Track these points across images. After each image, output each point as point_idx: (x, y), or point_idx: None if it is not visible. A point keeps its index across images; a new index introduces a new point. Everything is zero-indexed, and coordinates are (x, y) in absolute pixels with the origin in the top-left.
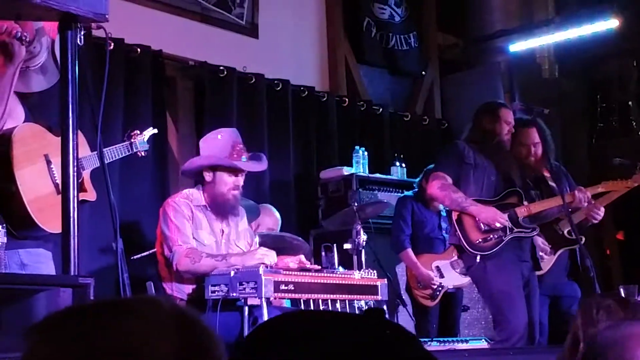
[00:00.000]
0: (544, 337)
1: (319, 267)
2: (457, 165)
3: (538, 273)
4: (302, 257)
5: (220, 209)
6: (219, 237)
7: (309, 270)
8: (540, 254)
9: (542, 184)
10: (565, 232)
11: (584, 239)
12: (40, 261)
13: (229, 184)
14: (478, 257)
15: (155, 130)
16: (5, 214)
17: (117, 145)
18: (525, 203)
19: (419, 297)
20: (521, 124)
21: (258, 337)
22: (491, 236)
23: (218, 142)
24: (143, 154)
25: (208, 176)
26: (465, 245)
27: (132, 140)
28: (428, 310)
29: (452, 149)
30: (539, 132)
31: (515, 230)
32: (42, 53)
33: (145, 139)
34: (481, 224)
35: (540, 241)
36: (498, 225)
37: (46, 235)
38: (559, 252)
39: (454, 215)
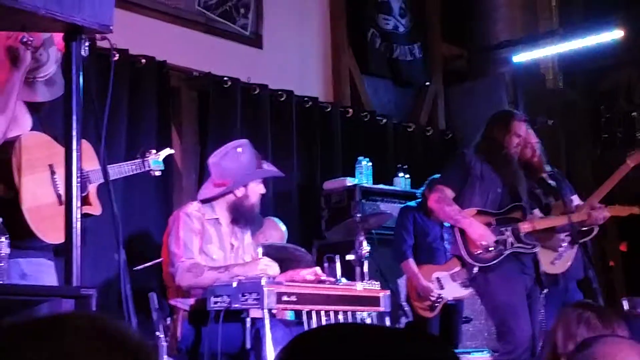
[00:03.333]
0: None
1: (334, 280)
2: (461, 178)
3: (559, 271)
4: (318, 269)
5: (248, 220)
6: (229, 251)
7: (323, 282)
8: (563, 246)
9: (544, 185)
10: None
11: (597, 229)
12: (41, 271)
13: (258, 194)
14: (476, 269)
15: (172, 151)
16: (5, 223)
17: (128, 162)
18: (530, 216)
19: (418, 308)
20: None
21: (297, 349)
22: (491, 248)
23: (243, 156)
24: (157, 173)
25: (240, 191)
26: (465, 255)
27: (146, 158)
28: (428, 321)
29: (457, 161)
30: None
31: (516, 245)
32: (51, 64)
33: (161, 159)
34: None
35: (560, 236)
36: (483, 243)
37: (48, 245)
38: (576, 246)
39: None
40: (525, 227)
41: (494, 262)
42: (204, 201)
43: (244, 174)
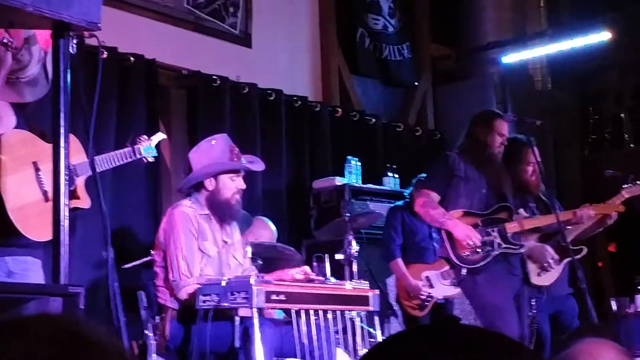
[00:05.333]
0: (546, 352)
1: (323, 279)
2: (445, 181)
3: (545, 283)
4: (307, 268)
5: (225, 215)
6: (221, 247)
7: (312, 281)
8: (550, 261)
9: (538, 202)
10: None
11: (585, 249)
12: (28, 269)
13: (233, 188)
14: (464, 270)
15: (164, 136)
16: None
17: (118, 151)
18: (516, 217)
19: (407, 307)
20: (525, 144)
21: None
22: (479, 250)
23: (215, 148)
24: (151, 159)
25: (210, 184)
26: (453, 257)
27: (136, 145)
28: (418, 320)
29: (440, 164)
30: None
31: (504, 245)
32: (33, 65)
33: (153, 145)
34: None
35: (549, 249)
36: (470, 243)
37: (35, 243)
38: (563, 262)
39: None
40: (512, 227)
41: (482, 263)
42: (188, 195)
43: (211, 165)
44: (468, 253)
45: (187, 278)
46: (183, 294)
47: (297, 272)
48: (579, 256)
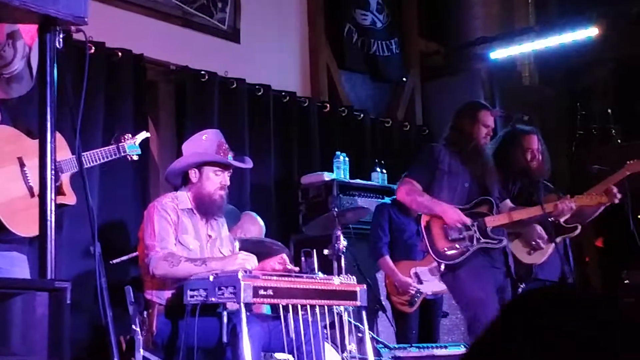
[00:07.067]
0: None
1: (298, 269)
2: (430, 171)
3: (536, 262)
4: (285, 256)
5: (207, 209)
6: (204, 242)
7: (289, 271)
8: (538, 240)
9: (535, 187)
10: (562, 221)
11: (580, 227)
12: (13, 264)
13: (216, 183)
14: (442, 266)
15: (148, 134)
16: None
17: (103, 148)
18: (501, 205)
19: (397, 303)
20: (524, 132)
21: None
22: (457, 245)
23: (203, 142)
24: (135, 157)
25: (194, 176)
26: (432, 253)
27: (121, 143)
28: (407, 316)
29: (426, 155)
30: (539, 141)
31: (482, 240)
32: (17, 61)
33: (137, 143)
34: (449, 231)
35: (538, 228)
36: (458, 225)
37: (20, 239)
38: (557, 240)
39: (423, 222)
40: (491, 221)
41: (460, 259)
42: (177, 189)
43: (194, 154)
44: (446, 248)
45: (158, 251)
46: (154, 266)
47: (276, 262)
48: (570, 234)
